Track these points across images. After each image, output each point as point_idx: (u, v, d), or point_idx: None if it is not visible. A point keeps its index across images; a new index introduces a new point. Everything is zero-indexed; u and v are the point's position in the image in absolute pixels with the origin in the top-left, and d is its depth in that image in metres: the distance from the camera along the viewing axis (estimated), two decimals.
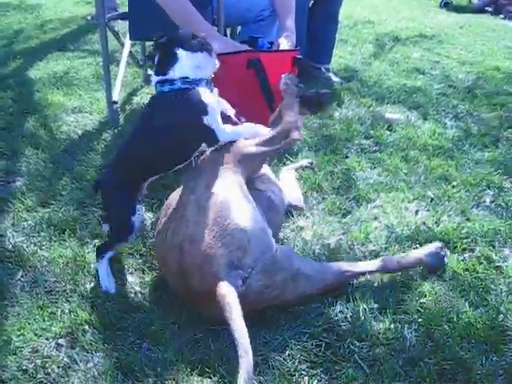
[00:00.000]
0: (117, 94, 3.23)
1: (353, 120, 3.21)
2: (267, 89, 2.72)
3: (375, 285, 1.86)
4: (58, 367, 1.57)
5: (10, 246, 2.09)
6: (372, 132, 3.06)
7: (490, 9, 8.08)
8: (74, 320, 1.72)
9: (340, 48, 4.72)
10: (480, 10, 8.10)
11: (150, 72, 3.90)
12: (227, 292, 1.56)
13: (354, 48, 4.90)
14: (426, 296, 1.82)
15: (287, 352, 1.60)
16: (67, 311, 1.77)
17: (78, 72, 4.14)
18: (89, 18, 6.10)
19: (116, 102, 3.20)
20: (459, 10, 8.15)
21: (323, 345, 1.63)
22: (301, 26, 3.61)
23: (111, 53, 3.51)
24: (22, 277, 1.94)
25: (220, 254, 1.62)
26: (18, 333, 1.68)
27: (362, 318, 1.72)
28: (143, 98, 3.59)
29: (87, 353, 1.62)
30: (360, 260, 1.98)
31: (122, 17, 3.23)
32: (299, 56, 2.84)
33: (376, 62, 4.48)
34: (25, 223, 2.23)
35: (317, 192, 2.43)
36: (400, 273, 1.90)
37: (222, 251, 1.62)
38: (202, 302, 1.65)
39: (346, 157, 2.78)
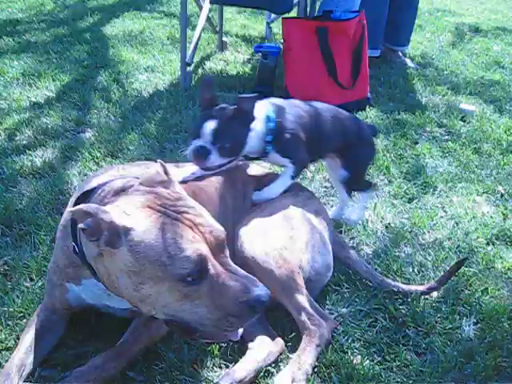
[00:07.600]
0: (191, 57, 3.23)
1: (426, 107, 3.13)
2: (329, 55, 2.96)
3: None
4: None
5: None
6: (445, 121, 2.97)
7: None
8: None
9: (418, 34, 4.61)
10: None
11: (224, 39, 3.90)
12: None
13: (433, 35, 4.77)
14: (488, 292, 1.76)
15: (342, 328, 1.58)
16: None
17: (152, 32, 4.18)
18: None
19: (190, 64, 3.20)
20: None
21: (378, 326, 1.60)
22: (382, 8, 3.56)
23: (187, 16, 3.51)
24: None
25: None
26: None
27: (421, 304, 1.68)
28: (216, 63, 3.59)
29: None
30: (423, 245, 1.94)
31: None
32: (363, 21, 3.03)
33: (454, 51, 4.35)
34: (90, 173, 2.25)
35: (384, 174, 2.38)
36: (464, 266, 1.84)
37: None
38: None
39: (416, 143, 2.71)
